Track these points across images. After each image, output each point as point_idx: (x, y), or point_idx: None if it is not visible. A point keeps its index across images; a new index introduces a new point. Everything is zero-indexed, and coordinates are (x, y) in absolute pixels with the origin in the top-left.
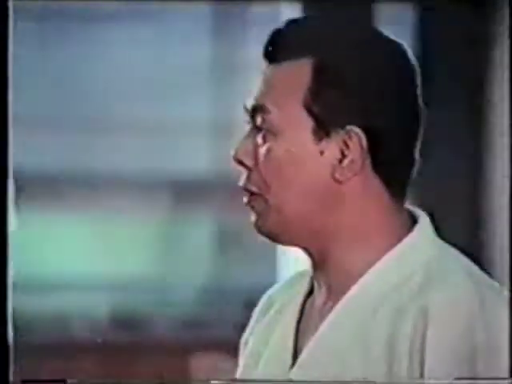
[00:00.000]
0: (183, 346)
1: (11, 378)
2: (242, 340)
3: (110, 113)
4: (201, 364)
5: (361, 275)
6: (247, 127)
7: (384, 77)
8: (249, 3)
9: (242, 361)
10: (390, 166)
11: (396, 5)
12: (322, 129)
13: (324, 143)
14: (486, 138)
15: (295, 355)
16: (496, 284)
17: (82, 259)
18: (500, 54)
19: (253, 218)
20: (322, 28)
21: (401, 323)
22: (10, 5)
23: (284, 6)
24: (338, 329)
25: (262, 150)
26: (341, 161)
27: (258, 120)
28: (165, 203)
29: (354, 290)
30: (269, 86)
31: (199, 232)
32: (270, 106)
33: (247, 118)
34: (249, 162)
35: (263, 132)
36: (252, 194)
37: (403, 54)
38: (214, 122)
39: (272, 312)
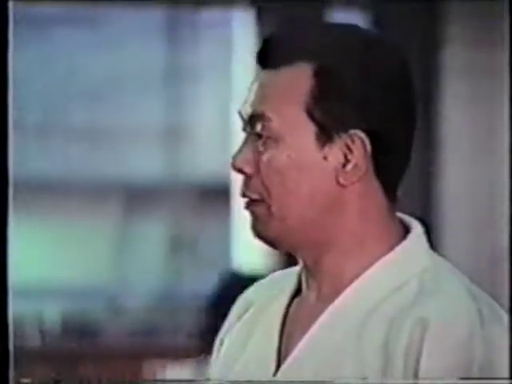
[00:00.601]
0: (135, 351)
1: (11, 379)
2: (217, 340)
3: (62, 118)
4: (152, 369)
5: (353, 280)
6: (244, 134)
7: (384, 80)
8: (200, 7)
9: (217, 361)
10: (390, 169)
11: (347, 9)
12: (325, 134)
13: (327, 148)
14: (435, 145)
15: (279, 356)
16: (487, 295)
17: (32, 264)
18: (452, 57)
19: (251, 222)
20: (320, 32)
21: (396, 330)
22: (10, 10)
23: (236, 10)
24: (329, 331)
25: (264, 158)
26: (344, 165)
27: (258, 127)
28: (117, 208)
29: (346, 294)
30: (267, 92)
31: (152, 237)
32: (270, 114)
33: (242, 124)
34: (249, 170)
35: (264, 139)
36: (252, 200)
37: (401, 57)
38: (166, 126)
39: (250, 312)
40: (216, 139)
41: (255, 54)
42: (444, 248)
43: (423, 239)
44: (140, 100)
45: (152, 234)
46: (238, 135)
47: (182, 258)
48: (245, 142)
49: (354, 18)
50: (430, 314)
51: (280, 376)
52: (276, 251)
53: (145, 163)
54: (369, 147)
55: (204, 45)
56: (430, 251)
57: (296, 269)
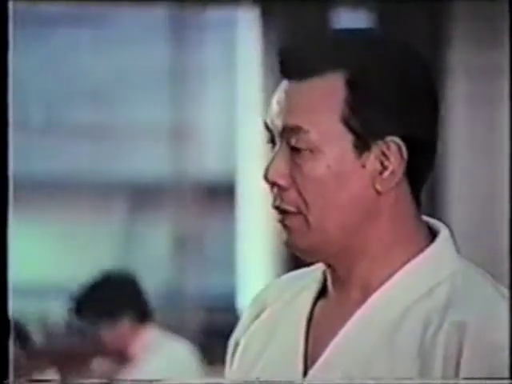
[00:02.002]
0: None
1: (11, 378)
2: (232, 341)
3: (68, 117)
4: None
5: (383, 284)
6: (275, 146)
7: (412, 84)
8: (205, 7)
9: (234, 362)
10: (419, 173)
11: (353, 9)
12: (362, 142)
13: (365, 156)
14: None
15: (305, 359)
16: None
17: (36, 264)
18: (454, 57)
19: (285, 234)
20: (346, 40)
21: (432, 334)
22: (10, 10)
23: (241, 10)
24: (360, 334)
25: (301, 170)
26: (381, 172)
27: (293, 140)
28: (122, 207)
29: (376, 297)
30: (299, 104)
31: (156, 236)
32: (307, 126)
33: (269, 136)
34: (284, 183)
35: (300, 151)
36: (287, 212)
37: (423, 61)
38: (172, 125)
39: (269, 312)
40: (221, 138)
41: (278, 65)
42: None
43: (451, 242)
44: (146, 99)
45: (157, 233)
46: (243, 135)
47: (187, 257)
48: (277, 155)
49: (359, 18)
50: (467, 317)
51: (311, 378)
52: (282, 254)
53: (150, 162)
54: (405, 153)
55: (209, 45)
56: (457, 254)
57: (313, 269)
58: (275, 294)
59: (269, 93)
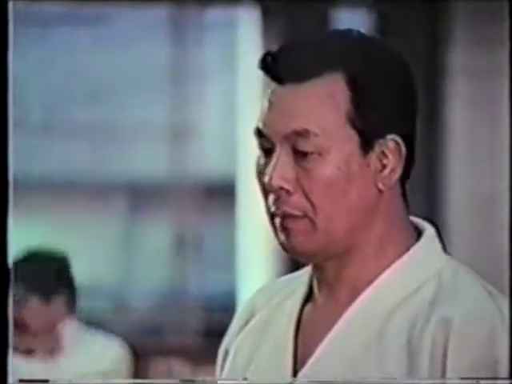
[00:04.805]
0: (140, 350)
1: (10, 379)
2: (222, 348)
3: (67, 117)
4: (157, 369)
5: (371, 284)
6: (276, 152)
7: (402, 84)
8: (205, 7)
9: (225, 369)
10: (408, 173)
11: (353, 9)
12: (366, 141)
13: (369, 156)
14: (438, 145)
15: (295, 362)
16: (502, 294)
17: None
18: (453, 56)
19: (287, 238)
20: (340, 40)
21: (419, 330)
22: (10, 11)
23: (241, 10)
24: (349, 334)
25: (310, 173)
26: (381, 171)
27: (300, 144)
28: (122, 207)
29: (364, 297)
30: (304, 107)
31: (156, 236)
32: (315, 129)
33: (261, 142)
34: (289, 187)
35: (307, 154)
36: (291, 217)
37: (405, 61)
38: (172, 125)
39: (257, 319)
40: (221, 138)
41: (269, 70)
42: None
43: (436, 241)
44: (145, 99)
45: (157, 232)
46: (244, 134)
47: (187, 257)
48: (279, 159)
49: (358, 17)
50: (452, 314)
51: (301, 378)
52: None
53: (150, 162)
54: (404, 151)
55: (209, 44)
56: (443, 252)
57: (301, 273)
58: (263, 300)
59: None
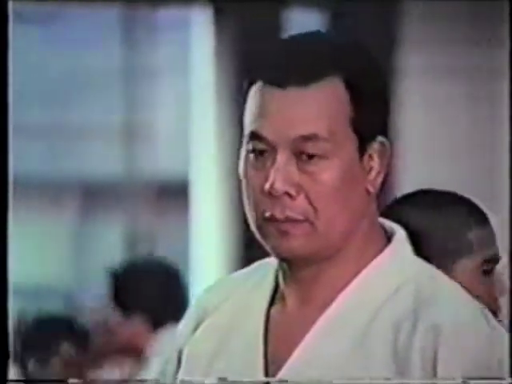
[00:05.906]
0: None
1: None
2: (174, 347)
3: (19, 117)
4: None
5: (349, 283)
6: (276, 156)
7: (386, 85)
8: (157, 7)
9: (181, 370)
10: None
11: (305, 10)
12: (363, 144)
13: (364, 158)
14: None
15: (266, 361)
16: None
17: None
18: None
19: (283, 241)
20: (333, 44)
21: (406, 335)
22: (10, 10)
23: (193, 10)
24: (328, 337)
25: (314, 177)
26: (368, 173)
27: (308, 148)
28: (74, 206)
29: (341, 300)
30: (310, 111)
31: (109, 235)
32: (322, 133)
33: (257, 145)
34: (294, 191)
35: (312, 158)
36: (291, 221)
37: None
38: (124, 124)
39: (216, 316)
40: (174, 138)
41: (266, 75)
42: None
43: (407, 243)
44: (98, 99)
45: (110, 232)
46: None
47: (140, 256)
48: (280, 164)
49: (311, 18)
50: (440, 320)
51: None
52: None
53: (103, 162)
54: (388, 153)
55: (161, 45)
56: (414, 255)
57: (258, 267)
58: (218, 300)
59: (221, 93)
